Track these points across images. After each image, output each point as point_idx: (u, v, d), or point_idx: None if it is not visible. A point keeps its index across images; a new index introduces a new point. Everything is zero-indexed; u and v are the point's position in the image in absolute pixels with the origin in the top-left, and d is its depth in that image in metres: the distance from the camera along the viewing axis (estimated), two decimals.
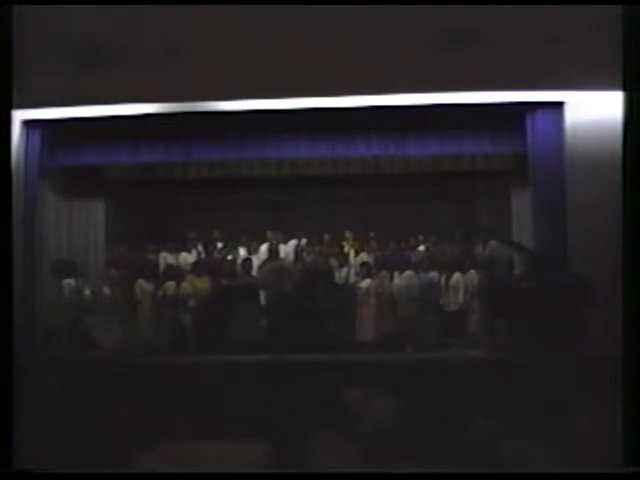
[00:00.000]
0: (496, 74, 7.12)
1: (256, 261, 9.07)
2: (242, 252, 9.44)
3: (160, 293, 8.28)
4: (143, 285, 8.36)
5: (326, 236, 9.57)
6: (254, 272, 8.75)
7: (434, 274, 8.31)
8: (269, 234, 9.45)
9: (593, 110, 7.92)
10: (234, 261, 9.10)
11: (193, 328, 8.10)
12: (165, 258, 9.33)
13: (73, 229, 9.71)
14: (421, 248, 9.37)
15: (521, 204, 9.36)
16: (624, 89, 3.54)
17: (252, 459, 4.00)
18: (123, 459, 3.79)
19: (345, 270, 8.75)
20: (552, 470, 3.24)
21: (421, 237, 9.51)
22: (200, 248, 9.47)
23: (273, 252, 8.85)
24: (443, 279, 8.27)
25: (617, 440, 3.12)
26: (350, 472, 3.51)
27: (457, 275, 8.20)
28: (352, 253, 9.42)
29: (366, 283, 8.31)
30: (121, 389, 4.69)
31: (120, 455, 3.82)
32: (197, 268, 8.62)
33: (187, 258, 9.27)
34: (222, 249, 9.37)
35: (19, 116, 8.27)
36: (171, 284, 8.29)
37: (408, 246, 9.37)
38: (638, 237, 3.32)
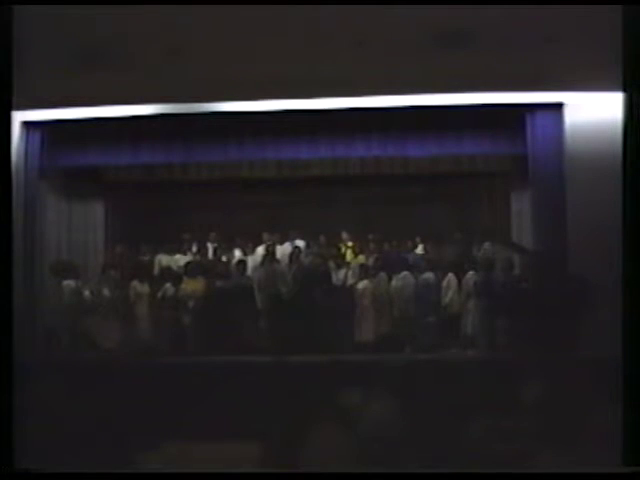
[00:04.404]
0: (496, 75, 7.12)
1: (255, 262, 9.05)
2: (241, 254, 9.42)
3: (160, 294, 8.26)
4: (142, 286, 8.34)
5: (326, 237, 9.55)
6: (253, 273, 8.72)
7: (432, 275, 8.30)
8: (268, 235, 9.43)
9: (592, 111, 7.93)
10: (233, 262, 9.08)
11: (193, 329, 8.09)
12: (165, 260, 9.32)
13: (72, 230, 9.71)
14: (420, 249, 9.36)
15: (521, 205, 9.36)
16: (624, 90, 3.55)
17: (251, 459, 4.00)
18: (122, 459, 3.79)
19: (343, 271, 8.73)
20: (552, 470, 3.24)
21: (419, 238, 9.49)
22: (199, 249, 9.46)
23: (270, 253, 8.82)
24: (441, 280, 8.26)
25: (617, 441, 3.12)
26: (350, 472, 3.51)
27: (456, 276, 8.18)
28: (350, 254, 9.40)
29: (364, 284, 8.30)
30: (120, 389, 4.69)
31: (119, 455, 3.82)
32: (196, 269, 8.59)
33: (186, 260, 9.25)
34: (222, 250, 9.35)
35: (19, 117, 8.27)
36: (171, 285, 8.27)
37: (406, 247, 9.35)
38: (638, 237, 3.33)
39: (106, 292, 8.28)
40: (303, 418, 4.41)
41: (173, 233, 9.80)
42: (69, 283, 8.12)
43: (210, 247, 9.46)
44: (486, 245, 8.77)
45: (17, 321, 3.68)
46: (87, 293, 8.23)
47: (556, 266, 7.59)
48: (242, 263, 8.77)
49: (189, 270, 8.56)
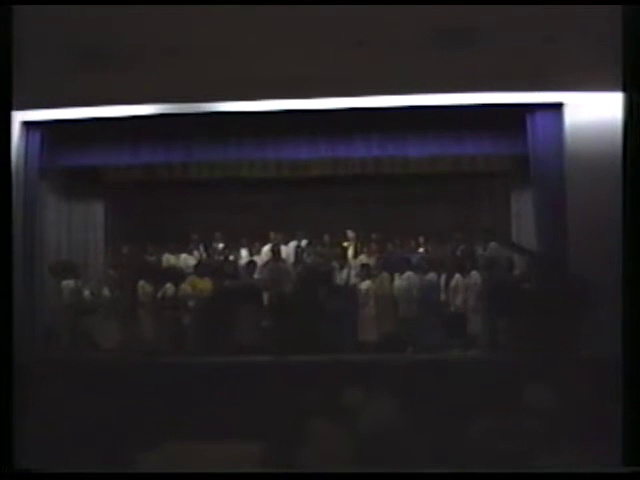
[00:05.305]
0: (496, 75, 7.12)
1: (257, 262, 9.03)
2: (243, 253, 9.40)
3: (161, 294, 8.25)
4: (144, 286, 8.33)
5: (327, 237, 9.52)
6: (255, 273, 8.71)
7: (434, 275, 8.30)
8: (270, 235, 9.42)
9: (593, 111, 7.92)
10: (235, 262, 9.06)
11: (195, 329, 8.08)
12: (166, 259, 9.31)
13: (72, 230, 9.71)
14: (421, 249, 9.35)
15: (521, 205, 9.36)
16: (624, 90, 3.54)
17: (252, 459, 4.00)
18: (122, 458, 3.79)
19: (345, 271, 8.72)
20: (552, 470, 3.24)
21: (421, 238, 9.48)
22: (201, 249, 9.45)
23: (274, 253, 8.80)
24: (443, 280, 8.26)
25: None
26: (350, 472, 3.51)
27: (457, 276, 8.17)
28: (352, 254, 9.38)
29: (366, 284, 8.29)
30: (121, 389, 4.69)
31: (119, 454, 3.82)
32: (198, 269, 8.59)
33: (188, 259, 9.24)
34: (223, 250, 9.34)
35: (19, 117, 8.26)
36: (173, 285, 8.26)
37: (408, 247, 9.34)
38: (638, 237, 3.32)
39: (106, 292, 8.28)
40: (307, 417, 4.41)
41: (173, 233, 9.78)
42: (69, 283, 8.12)
43: (211, 247, 9.46)
44: (492, 245, 8.77)
45: (17, 321, 3.68)
46: (87, 292, 8.23)
47: (556, 266, 7.59)
48: (252, 263, 8.72)
49: (197, 270, 8.59)
